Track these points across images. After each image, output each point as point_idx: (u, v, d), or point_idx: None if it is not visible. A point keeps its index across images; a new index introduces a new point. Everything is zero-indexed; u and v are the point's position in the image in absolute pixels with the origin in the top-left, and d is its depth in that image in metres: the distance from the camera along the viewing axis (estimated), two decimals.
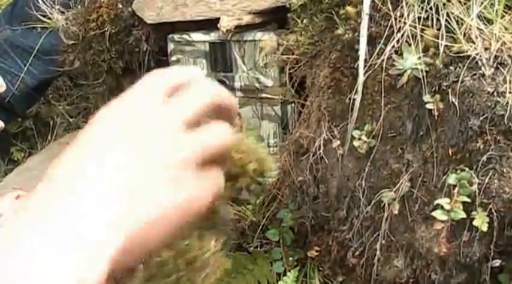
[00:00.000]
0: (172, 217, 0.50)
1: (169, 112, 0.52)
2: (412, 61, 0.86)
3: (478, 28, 0.83)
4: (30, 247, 0.43)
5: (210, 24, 1.17)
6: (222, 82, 1.15)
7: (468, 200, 0.81)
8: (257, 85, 1.12)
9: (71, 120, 1.52)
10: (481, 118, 0.80)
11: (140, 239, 0.48)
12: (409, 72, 0.86)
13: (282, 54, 1.05)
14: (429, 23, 0.87)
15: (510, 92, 0.79)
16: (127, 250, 0.48)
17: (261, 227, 1.07)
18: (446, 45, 0.84)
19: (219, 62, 1.14)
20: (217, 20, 1.14)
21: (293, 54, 1.03)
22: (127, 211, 0.47)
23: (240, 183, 0.57)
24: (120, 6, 1.27)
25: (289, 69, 1.03)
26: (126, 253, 0.48)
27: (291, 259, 1.03)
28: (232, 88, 1.15)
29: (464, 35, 0.84)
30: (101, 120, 0.55)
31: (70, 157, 0.48)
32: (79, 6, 1.28)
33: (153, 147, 0.49)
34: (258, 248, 1.08)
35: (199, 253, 0.53)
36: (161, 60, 1.18)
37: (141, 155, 0.49)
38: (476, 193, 0.81)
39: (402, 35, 0.88)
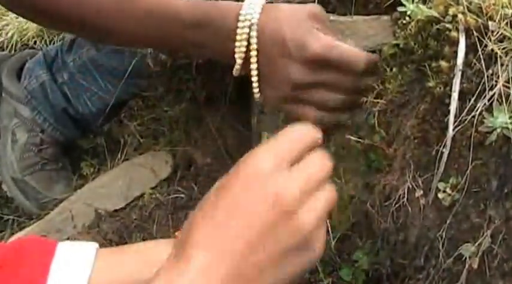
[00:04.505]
0: None
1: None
2: (502, 120, 0.87)
3: None
4: None
5: None
6: None
7: None
8: None
9: (141, 140, 1.54)
10: None
11: None
12: (498, 130, 0.87)
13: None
14: None
15: None
16: None
17: (332, 265, 1.09)
18: None
19: None
20: None
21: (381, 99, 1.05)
22: None
23: None
24: None
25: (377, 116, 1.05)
26: None
27: None
28: None
29: None
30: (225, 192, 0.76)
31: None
32: None
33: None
34: None
35: None
36: (244, 93, 1.21)
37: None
38: None
39: (494, 94, 0.90)
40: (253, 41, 1.07)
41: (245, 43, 1.07)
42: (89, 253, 0.95)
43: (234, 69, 1.11)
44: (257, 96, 1.12)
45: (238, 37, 1.07)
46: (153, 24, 1.10)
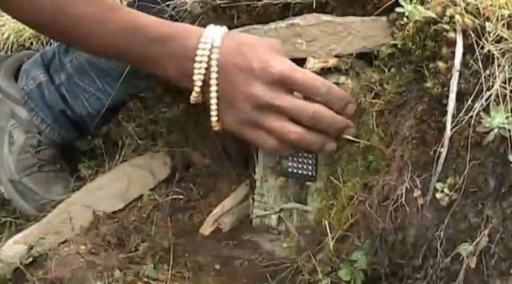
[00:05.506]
0: None
1: None
2: (499, 120, 0.88)
3: None
4: None
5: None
6: None
7: None
8: None
9: (139, 142, 1.54)
10: None
11: None
12: (496, 130, 0.88)
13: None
14: None
15: None
16: None
17: (331, 266, 1.09)
18: None
19: None
20: (302, 59, 1.18)
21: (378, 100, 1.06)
22: None
23: None
24: None
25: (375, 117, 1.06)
26: None
27: None
28: None
29: None
30: None
31: None
32: None
33: None
34: None
35: None
36: None
37: None
38: None
39: (491, 94, 0.90)
40: (213, 63, 1.10)
41: (205, 65, 1.10)
42: None
43: (192, 95, 1.14)
44: (214, 119, 1.13)
45: (198, 58, 1.10)
46: (120, 35, 1.14)
